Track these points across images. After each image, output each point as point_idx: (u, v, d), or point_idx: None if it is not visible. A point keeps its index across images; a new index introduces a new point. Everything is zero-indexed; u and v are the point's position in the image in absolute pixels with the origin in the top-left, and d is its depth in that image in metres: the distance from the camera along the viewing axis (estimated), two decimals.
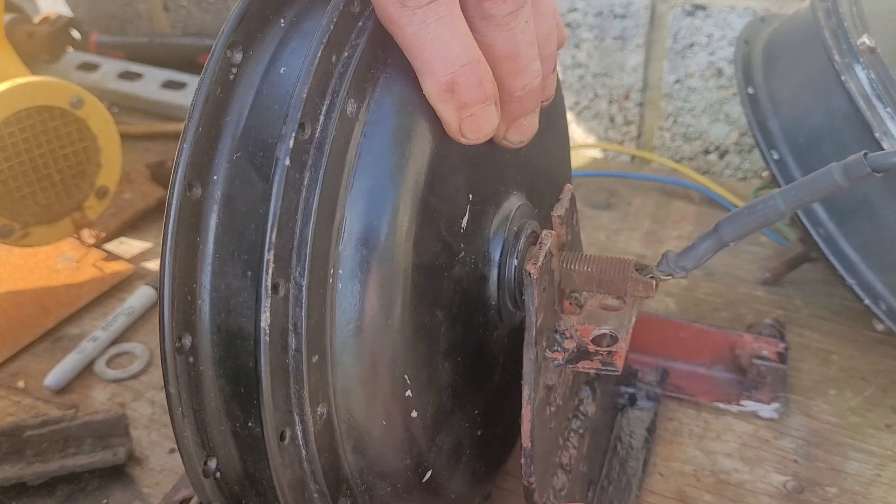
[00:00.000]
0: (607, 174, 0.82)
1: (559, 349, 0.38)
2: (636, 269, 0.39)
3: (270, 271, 0.27)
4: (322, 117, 0.29)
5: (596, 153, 0.87)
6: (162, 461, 0.53)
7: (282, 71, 0.30)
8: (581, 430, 0.45)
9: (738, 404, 0.55)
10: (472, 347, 0.37)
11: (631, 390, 0.53)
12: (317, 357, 0.28)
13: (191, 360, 0.29)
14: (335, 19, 0.29)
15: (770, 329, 0.57)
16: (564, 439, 0.43)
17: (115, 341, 0.63)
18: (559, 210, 0.38)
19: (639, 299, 0.39)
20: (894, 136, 0.45)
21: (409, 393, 0.31)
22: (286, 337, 0.28)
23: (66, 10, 1.03)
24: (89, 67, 0.97)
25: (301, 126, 0.28)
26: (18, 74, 0.63)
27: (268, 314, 0.27)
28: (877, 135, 0.45)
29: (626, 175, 0.81)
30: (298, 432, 0.29)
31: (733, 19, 0.73)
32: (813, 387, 0.57)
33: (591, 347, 0.38)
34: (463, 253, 0.35)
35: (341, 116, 0.29)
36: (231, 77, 0.30)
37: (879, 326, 0.52)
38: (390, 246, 0.29)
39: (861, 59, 0.46)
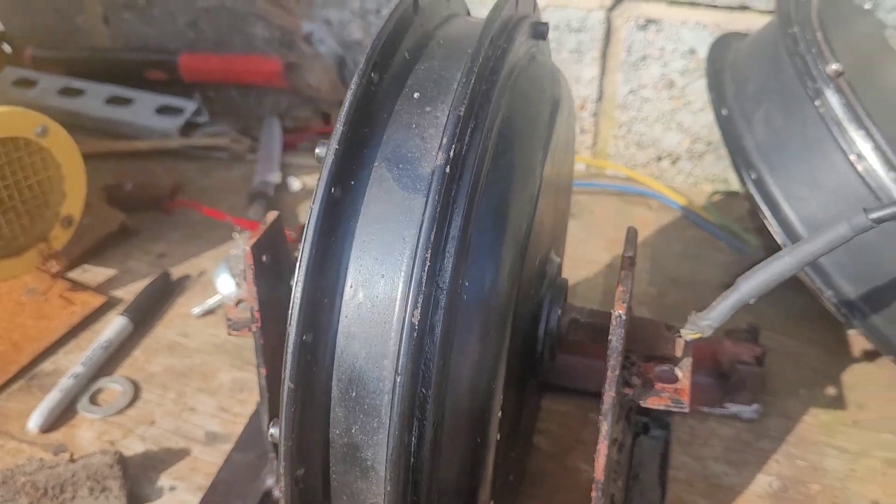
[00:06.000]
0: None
1: (628, 385, 0.39)
2: (667, 329, 0.41)
3: (426, 268, 0.28)
4: (468, 137, 0.30)
5: None
6: (164, 500, 0.52)
7: (415, 96, 0.32)
8: (620, 461, 0.47)
9: (722, 407, 0.58)
10: (520, 386, 0.39)
11: (645, 419, 0.55)
12: (442, 363, 0.30)
13: (308, 357, 0.29)
14: (481, 55, 0.32)
15: (745, 334, 0.60)
16: (614, 471, 0.45)
17: (95, 376, 0.61)
18: (629, 251, 0.40)
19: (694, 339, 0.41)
20: (866, 157, 0.48)
21: (499, 414, 0.33)
22: (423, 339, 0.29)
23: None
24: (26, 84, 0.94)
25: (458, 141, 0.30)
26: None
27: (419, 310, 0.28)
28: (851, 157, 0.48)
29: (588, 184, 0.83)
30: (414, 438, 0.30)
31: (685, 33, 0.76)
32: (785, 388, 0.61)
33: (657, 385, 0.39)
34: (534, 290, 0.37)
35: (484, 139, 0.31)
36: (370, 94, 0.32)
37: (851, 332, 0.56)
38: (504, 264, 0.32)
39: (831, 84, 0.50)
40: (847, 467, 0.55)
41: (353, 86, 0.31)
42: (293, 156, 0.87)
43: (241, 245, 0.64)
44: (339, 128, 0.30)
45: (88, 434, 0.57)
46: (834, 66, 0.50)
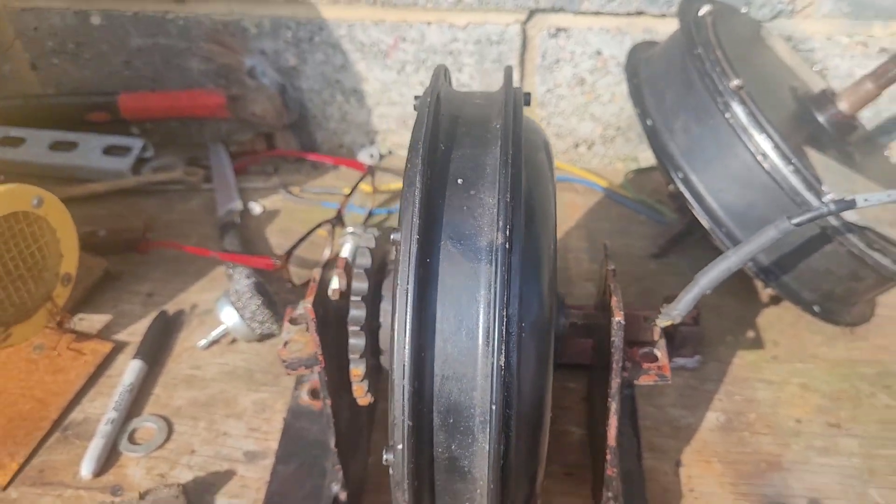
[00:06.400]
0: None
1: (624, 370, 0.50)
2: (644, 320, 0.52)
3: (505, 323, 0.38)
4: (512, 215, 0.39)
5: None
6: None
7: (459, 182, 0.41)
8: None
9: (671, 361, 0.70)
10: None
11: None
12: (518, 389, 0.39)
13: (416, 399, 0.38)
14: (510, 148, 0.41)
15: None
16: None
17: (127, 418, 0.67)
18: (612, 265, 0.50)
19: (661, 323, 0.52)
20: (769, 155, 0.60)
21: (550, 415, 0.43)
22: (505, 375, 0.38)
23: None
24: None
25: (509, 221, 0.39)
26: None
27: (503, 355, 0.37)
28: (758, 157, 0.60)
29: None
30: (503, 447, 0.39)
31: (591, 37, 0.86)
32: (715, 337, 0.74)
33: (644, 365, 0.50)
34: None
35: (523, 215, 0.40)
36: (428, 187, 0.40)
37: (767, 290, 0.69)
38: (545, 302, 0.41)
39: (736, 98, 0.61)
40: (773, 395, 0.69)
41: (417, 184, 0.40)
42: (245, 180, 0.93)
43: (240, 280, 0.72)
44: (415, 221, 0.39)
45: (138, 471, 0.64)
46: (736, 82, 0.62)
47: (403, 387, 0.38)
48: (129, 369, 0.70)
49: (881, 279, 0.64)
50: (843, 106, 0.69)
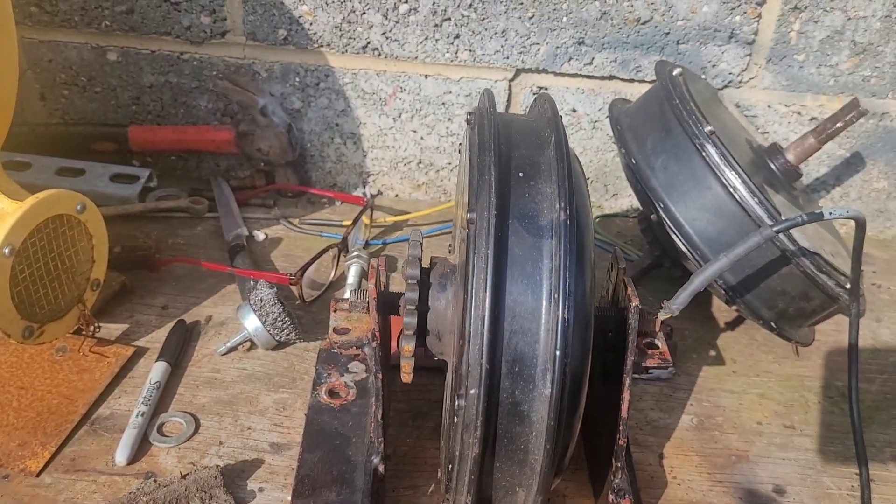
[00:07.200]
0: None
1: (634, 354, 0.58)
2: (647, 314, 0.61)
3: (568, 285, 0.46)
4: (568, 200, 0.48)
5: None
6: (259, 500, 0.65)
7: (520, 175, 0.50)
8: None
9: (647, 373, 0.79)
10: None
11: None
12: (573, 341, 0.47)
13: (490, 348, 0.46)
14: (564, 148, 0.50)
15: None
16: None
17: (155, 413, 0.71)
18: (622, 264, 0.59)
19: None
20: (738, 188, 0.71)
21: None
22: (565, 329, 0.46)
23: None
24: None
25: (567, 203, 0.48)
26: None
27: (567, 310, 0.45)
28: (730, 189, 0.72)
29: None
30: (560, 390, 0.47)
31: (568, 96, 0.98)
32: (683, 354, 0.84)
33: (649, 351, 0.59)
34: None
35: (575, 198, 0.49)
36: (499, 177, 0.49)
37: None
38: (588, 275, 0.50)
39: (710, 140, 0.73)
40: (736, 402, 0.78)
41: (492, 172, 0.48)
42: (246, 211, 1.00)
43: (262, 289, 0.78)
44: (492, 200, 0.47)
45: (170, 460, 0.68)
46: (709, 128, 0.73)
47: (482, 335, 0.46)
48: (154, 369, 0.75)
49: (826, 300, 0.76)
50: (791, 157, 0.82)
